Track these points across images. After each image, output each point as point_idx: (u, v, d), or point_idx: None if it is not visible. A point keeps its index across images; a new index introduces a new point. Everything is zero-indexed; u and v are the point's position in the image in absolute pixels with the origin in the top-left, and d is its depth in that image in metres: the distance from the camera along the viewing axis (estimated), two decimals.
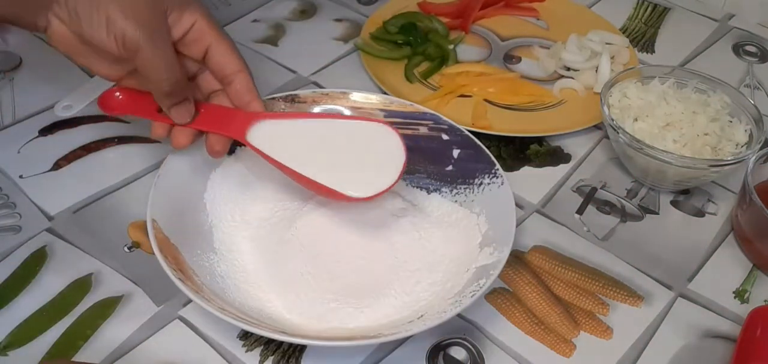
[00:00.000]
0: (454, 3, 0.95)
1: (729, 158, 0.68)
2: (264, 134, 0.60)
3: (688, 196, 0.73)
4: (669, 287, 0.64)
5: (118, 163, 0.71)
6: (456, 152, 0.68)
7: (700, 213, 0.71)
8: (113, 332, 0.57)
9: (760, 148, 0.68)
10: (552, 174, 0.74)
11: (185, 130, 0.60)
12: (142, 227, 0.64)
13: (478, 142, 0.67)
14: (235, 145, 0.67)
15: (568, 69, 0.86)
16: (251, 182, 0.67)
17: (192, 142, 0.60)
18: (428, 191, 0.68)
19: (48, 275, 0.61)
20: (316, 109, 0.70)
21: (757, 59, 0.92)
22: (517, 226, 0.60)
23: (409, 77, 0.84)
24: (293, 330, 0.55)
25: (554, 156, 0.76)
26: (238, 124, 0.60)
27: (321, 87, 0.82)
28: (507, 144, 0.76)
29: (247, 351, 0.57)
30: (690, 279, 0.65)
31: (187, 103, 0.59)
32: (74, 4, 0.53)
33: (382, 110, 0.70)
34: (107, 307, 0.59)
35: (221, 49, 0.59)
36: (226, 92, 0.61)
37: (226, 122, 0.60)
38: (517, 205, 0.68)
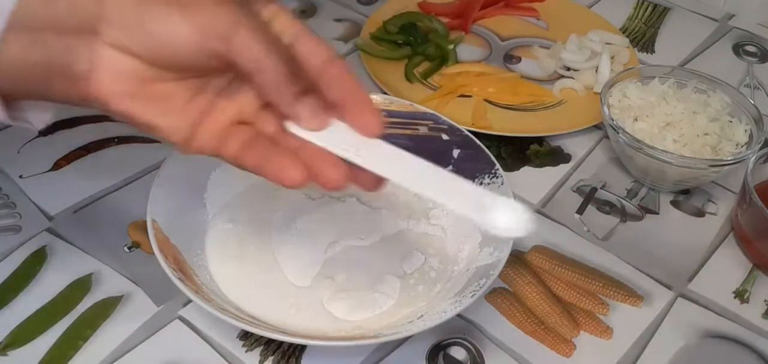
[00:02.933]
0: (454, 3, 0.95)
1: (729, 158, 0.68)
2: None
3: (688, 196, 0.73)
4: (669, 287, 0.64)
5: (118, 163, 0.71)
6: (456, 152, 0.68)
7: (700, 213, 0.71)
8: (113, 332, 0.57)
9: (760, 148, 0.68)
10: (552, 174, 0.74)
11: (334, 159, 0.43)
12: (142, 227, 0.64)
13: (478, 142, 0.67)
14: None
15: (568, 69, 0.86)
16: (251, 181, 0.67)
17: (344, 181, 0.44)
18: None
19: (48, 275, 0.61)
20: None
21: (757, 59, 0.92)
22: None
23: (409, 77, 0.84)
24: (293, 330, 0.55)
25: (554, 156, 0.76)
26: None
27: None
28: (507, 144, 0.76)
29: (247, 351, 0.57)
30: (690, 279, 0.65)
31: (313, 95, 0.44)
32: (133, 10, 0.40)
33: (382, 110, 0.70)
34: (107, 307, 0.59)
35: (309, 36, 0.44)
36: (320, 90, 0.44)
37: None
38: None
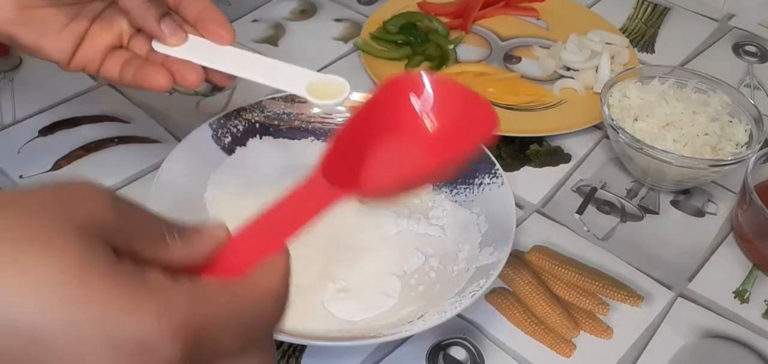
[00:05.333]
0: (454, 3, 0.94)
1: (729, 158, 0.68)
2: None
3: (688, 196, 0.73)
4: (669, 287, 0.64)
5: (118, 163, 0.71)
6: None
7: (700, 213, 0.71)
8: None
9: (760, 148, 0.68)
10: (552, 174, 0.74)
11: (193, 65, 0.53)
12: None
13: None
14: (234, 146, 0.67)
15: (568, 69, 0.86)
16: (251, 181, 0.67)
17: (201, 80, 0.54)
18: (428, 191, 0.68)
19: None
20: (316, 110, 0.70)
21: (757, 59, 0.92)
22: (517, 226, 0.60)
23: None
24: (293, 330, 0.55)
25: (554, 156, 0.76)
26: None
27: None
28: (507, 144, 0.76)
29: None
30: (690, 279, 0.65)
31: (172, 15, 0.53)
32: None
33: None
34: None
35: None
36: (181, 11, 0.54)
37: None
38: (517, 205, 0.68)
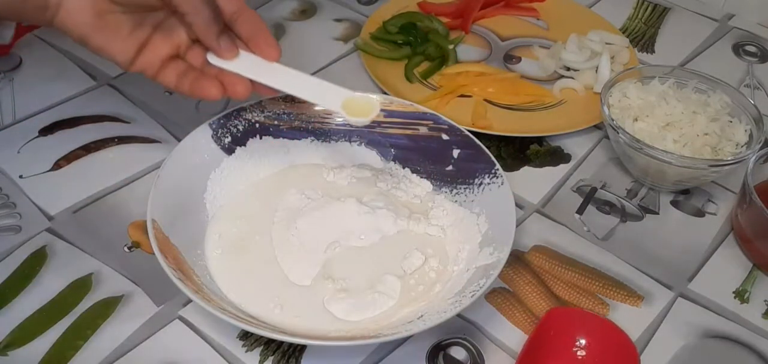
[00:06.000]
0: (454, 3, 0.95)
1: (729, 158, 0.68)
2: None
3: (688, 196, 0.73)
4: (669, 287, 0.64)
5: (118, 163, 0.71)
6: (456, 152, 0.68)
7: (700, 213, 0.71)
8: (113, 332, 0.57)
9: (760, 148, 0.68)
10: (552, 174, 0.74)
11: (242, 78, 0.59)
12: (142, 227, 0.64)
13: (478, 142, 0.67)
14: (234, 146, 0.67)
15: (568, 69, 0.86)
16: (251, 181, 0.67)
17: (248, 92, 0.60)
18: (428, 191, 0.68)
19: (48, 275, 0.61)
20: (316, 110, 0.70)
21: (757, 59, 0.92)
22: (517, 226, 0.60)
23: (409, 77, 0.84)
24: (293, 330, 0.55)
25: (554, 156, 0.76)
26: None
27: None
28: (507, 144, 0.76)
29: (247, 351, 0.57)
30: (690, 279, 0.65)
31: (229, 32, 0.58)
32: None
33: (382, 110, 0.70)
34: (107, 307, 0.59)
35: None
36: (235, 29, 0.60)
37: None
38: (517, 205, 0.68)
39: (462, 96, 0.81)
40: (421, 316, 0.56)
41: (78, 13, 0.55)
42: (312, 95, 0.59)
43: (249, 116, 0.68)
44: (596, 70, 0.84)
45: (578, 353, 0.56)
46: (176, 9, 0.56)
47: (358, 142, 0.70)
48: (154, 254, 0.55)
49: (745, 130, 0.71)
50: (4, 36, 0.57)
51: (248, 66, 0.59)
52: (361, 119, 0.59)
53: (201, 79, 0.59)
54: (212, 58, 0.59)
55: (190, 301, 0.59)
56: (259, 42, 0.59)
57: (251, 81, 0.59)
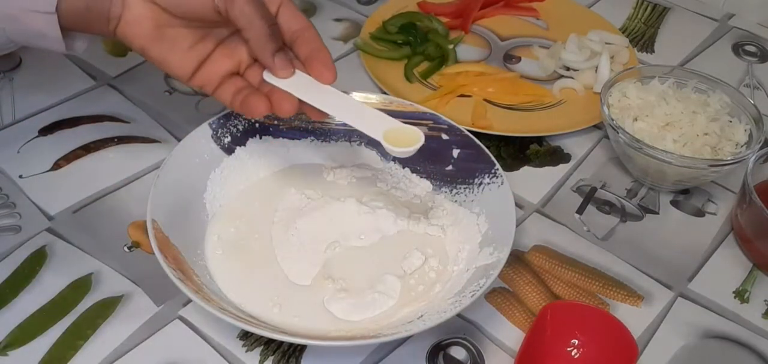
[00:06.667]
0: (454, 3, 0.95)
1: (729, 158, 0.68)
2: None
3: (688, 196, 0.73)
4: (669, 287, 0.64)
5: (118, 163, 0.71)
6: (456, 152, 0.68)
7: (700, 213, 0.71)
8: (113, 332, 0.57)
9: (760, 148, 0.68)
10: (552, 174, 0.74)
11: (289, 96, 0.57)
12: (142, 227, 0.64)
13: (478, 142, 0.67)
14: (234, 146, 0.67)
15: (568, 69, 0.86)
16: (251, 181, 0.67)
17: (294, 110, 0.58)
18: (428, 191, 0.68)
19: (48, 275, 0.61)
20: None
21: (756, 59, 0.92)
22: (517, 226, 0.60)
23: (408, 77, 0.84)
24: (293, 330, 0.55)
25: (554, 156, 0.76)
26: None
27: None
28: (507, 144, 0.76)
29: (247, 351, 0.57)
30: (690, 279, 0.65)
31: (285, 50, 0.58)
32: None
33: (381, 110, 0.70)
34: (107, 307, 0.59)
35: (290, 7, 0.58)
36: (295, 48, 0.59)
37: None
38: (517, 205, 0.68)
39: (462, 96, 0.81)
40: (421, 316, 0.56)
41: (138, 24, 0.55)
42: (356, 122, 0.58)
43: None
44: (596, 70, 0.84)
45: (576, 347, 0.56)
46: (234, 23, 0.55)
47: (358, 142, 0.70)
48: (154, 254, 0.55)
49: (745, 130, 0.71)
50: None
51: (299, 85, 0.58)
52: (406, 150, 0.56)
53: (251, 95, 0.58)
54: (268, 76, 0.58)
55: (190, 301, 0.59)
56: (316, 64, 0.58)
57: (299, 100, 0.57)
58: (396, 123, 0.57)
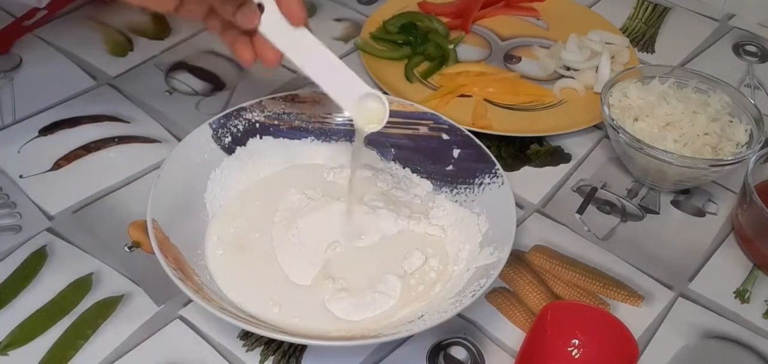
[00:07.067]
0: (454, 3, 0.94)
1: (729, 158, 0.68)
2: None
3: (688, 196, 0.73)
4: (669, 287, 0.64)
5: (118, 163, 0.71)
6: (456, 152, 0.68)
7: (700, 213, 0.71)
8: (113, 332, 0.57)
9: (761, 148, 0.68)
10: (552, 174, 0.74)
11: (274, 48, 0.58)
12: (142, 226, 0.64)
13: (478, 142, 0.67)
14: (234, 146, 0.67)
15: (568, 69, 0.86)
16: (251, 182, 0.67)
17: (279, 61, 0.59)
18: (428, 191, 0.68)
19: (48, 275, 0.61)
20: (316, 109, 0.70)
21: (757, 59, 0.92)
22: (517, 226, 0.60)
23: (409, 77, 0.84)
24: (293, 330, 0.55)
25: (554, 156, 0.76)
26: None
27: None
28: (507, 144, 0.76)
29: (247, 351, 0.57)
30: (690, 279, 0.65)
31: (249, 4, 0.57)
32: None
33: None
34: (107, 307, 0.59)
35: None
36: None
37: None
38: (518, 205, 0.68)
39: (462, 96, 0.81)
40: (422, 316, 0.56)
41: None
42: (328, 84, 0.59)
43: (249, 116, 0.68)
44: (596, 70, 0.84)
45: (577, 347, 0.56)
46: None
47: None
48: (154, 253, 0.55)
49: (746, 130, 0.71)
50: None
51: (277, 33, 0.58)
52: (374, 127, 0.58)
53: (238, 39, 0.59)
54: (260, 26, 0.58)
55: (190, 301, 0.59)
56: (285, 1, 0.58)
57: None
58: (367, 89, 0.58)
